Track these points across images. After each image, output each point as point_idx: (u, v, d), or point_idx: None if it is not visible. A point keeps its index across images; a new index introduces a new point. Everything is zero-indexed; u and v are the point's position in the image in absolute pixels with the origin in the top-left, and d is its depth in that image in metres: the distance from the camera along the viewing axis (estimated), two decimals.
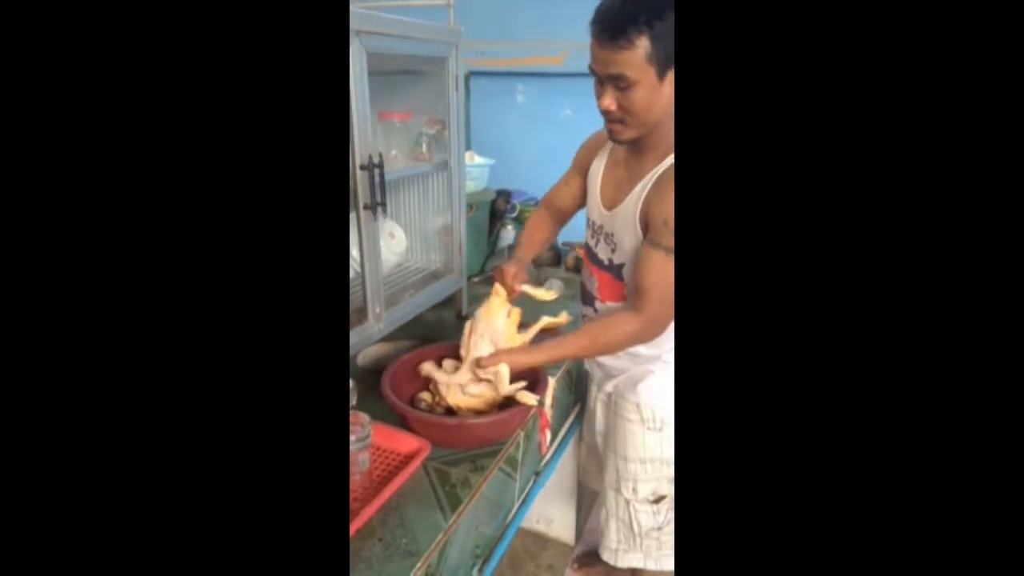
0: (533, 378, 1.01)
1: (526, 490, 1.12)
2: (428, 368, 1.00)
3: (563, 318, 1.05)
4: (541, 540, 1.66)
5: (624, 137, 0.87)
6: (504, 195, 1.90)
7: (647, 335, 0.88)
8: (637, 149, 0.91)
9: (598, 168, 1.02)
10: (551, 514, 1.65)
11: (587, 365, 1.15)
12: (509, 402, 0.95)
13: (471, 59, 1.98)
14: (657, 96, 0.80)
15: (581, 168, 1.08)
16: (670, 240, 0.82)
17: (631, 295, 0.90)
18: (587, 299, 1.07)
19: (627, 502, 1.07)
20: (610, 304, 1.00)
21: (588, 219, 1.06)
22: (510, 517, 1.04)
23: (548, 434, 1.14)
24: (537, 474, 1.18)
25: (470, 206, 1.61)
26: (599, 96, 0.83)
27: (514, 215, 1.90)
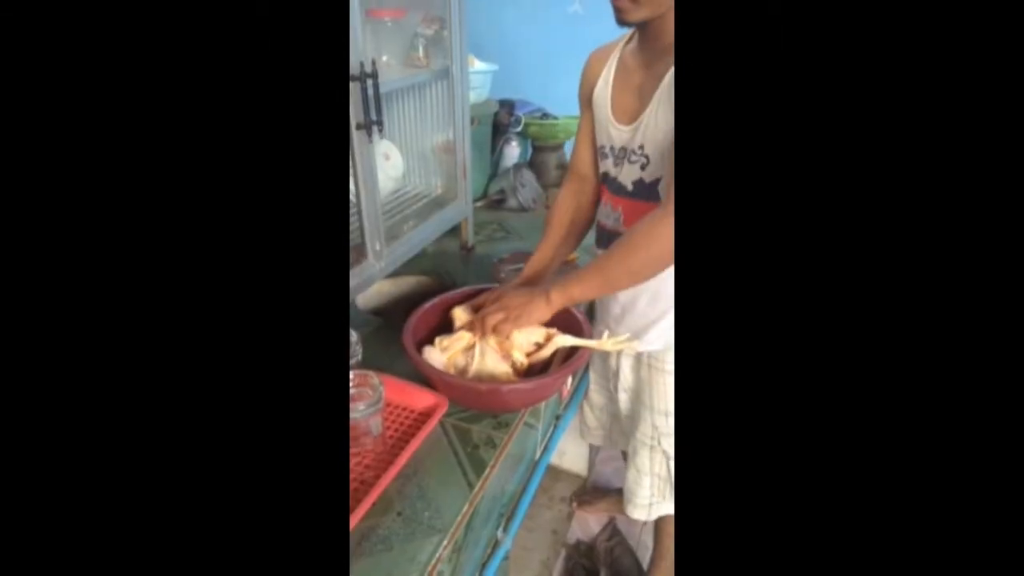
0: (565, 316, 0.89)
1: (547, 436, 1.05)
2: (465, 326, 0.86)
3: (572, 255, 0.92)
4: (554, 472, 1.64)
5: (635, 17, 0.74)
6: (507, 106, 1.70)
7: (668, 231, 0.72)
8: (648, 43, 0.79)
9: (604, 88, 0.87)
10: (563, 446, 1.62)
11: (610, 324, 1.00)
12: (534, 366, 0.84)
13: None
14: None
15: (588, 100, 0.92)
16: None
17: (666, 194, 0.76)
18: (609, 238, 0.91)
19: (666, 458, 1.00)
20: None
21: (600, 148, 0.90)
22: (533, 468, 0.97)
23: (570, 378, 1.05)
24: (558, 418, 1.11)
25: (472, 119, 1.43)
26: None
27: (519, 129, 1.71)
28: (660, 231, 0.72)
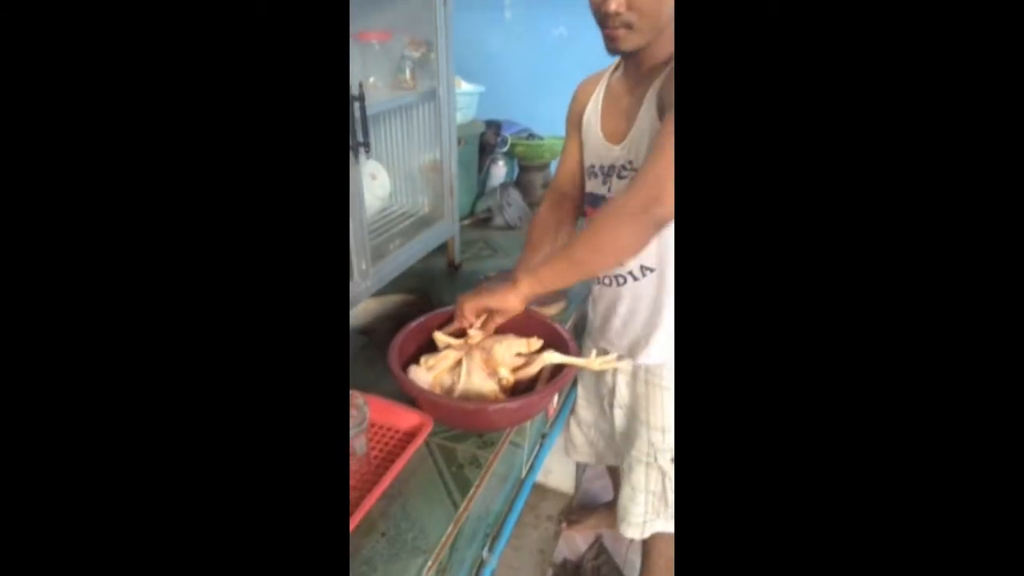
0: (551, 337, 0.90)
1: (533, 454, 1.05)
2: (448, 346, 0.87)
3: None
4: (540, 490, 1.63)
5: (628, 45, 0.77)
6: (494, 127, 1.73)
7: (656, 202, 0.68)
8: (634, 69, 0.82)
9: (594, 111, 0.91)
10: (550, 464, 1.62)
11: (605, 340, 1.01)
12: (522, 383, 0.85)
13: None
14: None
15: (577, 125, 0.96)
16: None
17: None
18: None
19: (663, 475, 1.00)
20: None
21: (590, 169, 0.93)
22: (518, 487, 0.97)
23: (556, 396, 1.06)
24: (544, 436, 1.11)
25: (459, 140, 1.45)
26: (605, 2, 0.74)
27: (505, 149, 1.73)
28: (623, 212, 0.70)
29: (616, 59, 0.89)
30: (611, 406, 1.06)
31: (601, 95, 0.92)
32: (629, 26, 0.75)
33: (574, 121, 0.97)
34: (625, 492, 1.04)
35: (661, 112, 0.77)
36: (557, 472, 1.64)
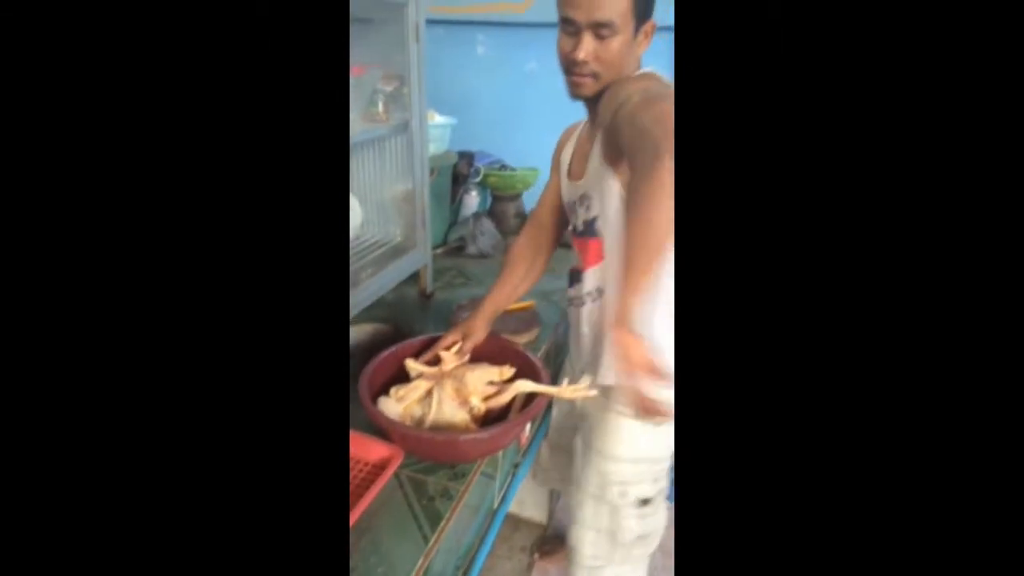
0: (523, 365, 0.91)
1: (506, 484, 1.05)
2: (421, 375, 0.87)
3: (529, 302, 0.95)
4: (513, 521, 1.61)
5: (590, 92, 0.81)
6: (467, 158, 1.76)
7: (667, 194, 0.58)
8: (596, 112, 0.86)
9: (567, 154, 0.98)
10: (522, 495, 1.60)
11: (571, 351, 1.04)
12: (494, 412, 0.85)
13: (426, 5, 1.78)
14: (631, 50, 0.79)
15: (556, 165, 1.02)
16: (651, 84, 0.75)
17: (633, 158, 0.66)
18: (573, 278, 0.97)
19: (613, 509, 0.95)
20: (592, 270, 0.91)
21: (566, 203, 0.98)
22: (491, 518, 0.96)
23: (529, 425, 1.06)
24: (516, 465, 1.11)
25: (431, 171, 1.46)
26: (571, 47, 0.79)
27: (478, 179, 1.76)
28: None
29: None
30: (564, 428, 1.07)
31: (574, 142, 0.97)
32: (595, 76, 0.79)
33: (555, 162, 1.03)
34: (573, 529, 1.00)
35: (609, 156, 0.80)
36: (530, 502, 1.62)
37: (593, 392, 0.85)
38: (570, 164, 0.96)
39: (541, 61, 1.95)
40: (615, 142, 0.75)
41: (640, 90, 0.72)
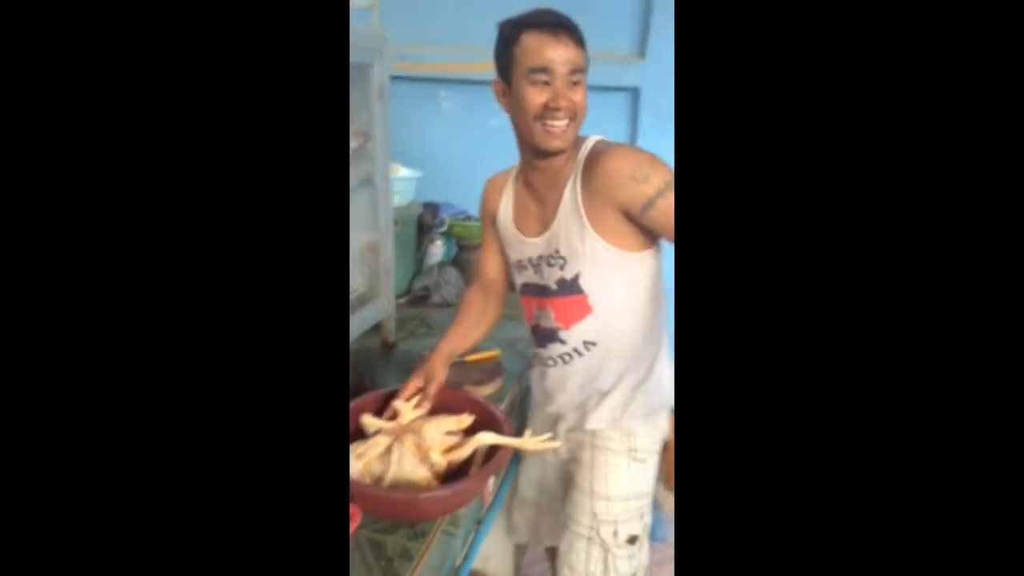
0: (484, 417, 0.91)
1: (468, 541, 1.02)
2: (378, 432, 0.86)
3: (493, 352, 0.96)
4: None
5: (567, 141, 0.85)
6: (432, 208, 1.79)
7: None
8: (547, 173, 0.90)
9: (506, 215, 0.99)
10: (487, 551, 1.56)
11: (540, 403, 1.04)
12: (455, 468, 0.84)
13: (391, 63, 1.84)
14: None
15: (491, 221, 1.04)
16: (655, 183, 0.81)
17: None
18: (546, 337, 0.97)
19: (605, 550, 0.97)
20: (577, 326, 0.93)
21: (518, 263, 0.99)
22: None
23: (492, 479, 1.04)
24: (479, 522, 1.08)
25: (396, 222, 1.48)
26: (545, 96, 0.81)
27: (443, 229, 1.79)
28: None
29: (518, 164, 0.98)
30: (539, 480, 1.06)
31: (511, 200, 0.99)
32: (572, 119, 0.83)
33: (488, 217, 1.05)
34: (564, 574, 1.01)
35: (598, 219, 0.85)
36: (496, 558, 1.57)
37: (557, 444, 0.85)
38: (515, 221, 0.97)
39: (503, 117, 2.02)
40: (640, 220, 0.83)
41: (658, 190, 0.80)
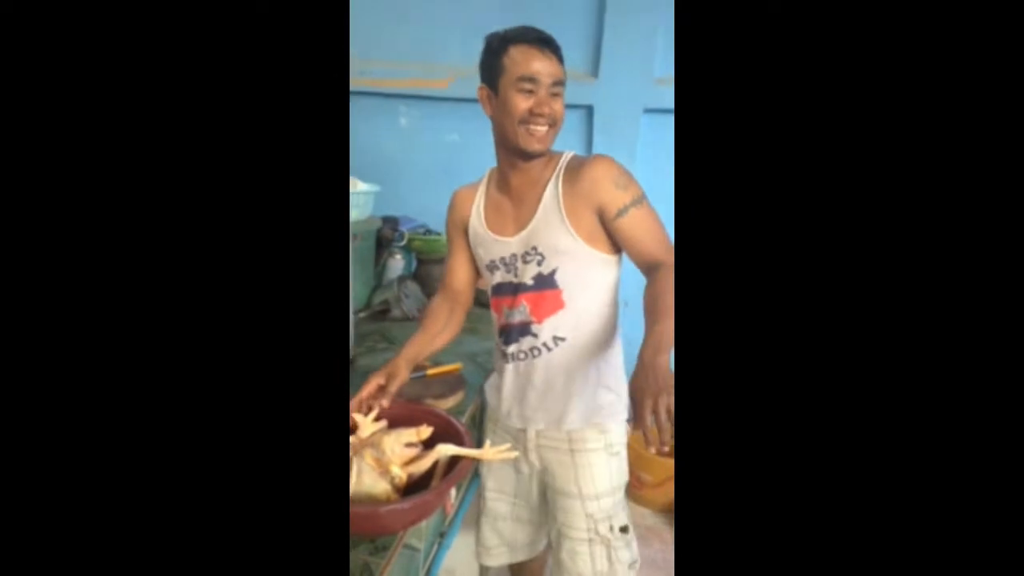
0: (442, 426, 0.91)
1: (431, 555, 1.01)
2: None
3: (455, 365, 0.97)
4: None
5: (546, 144, 0.93)
6: (391, 223, 1.79)
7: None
8: (517, 164, 0.96)
9: (478, 213, 1.04)
10: (452, 564, 1.54)
11: (521, 417, 1.04)
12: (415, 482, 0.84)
13: (351, 78, 1.84)
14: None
15: (461, 230, 1.08)
16: (632, 193, 0.91)
17: (645, 264, 0.92)
18: (519, 332, 1.00)
19: (606, 545, 1.01)
20: (549, 320, 0.97)
21: (491, 264, 1.02)
22: None
23: (454, 491, 1.04)
24: (442, 535, 1.08)
25: (354, 236, 1.48)
26: (530, 103, 0.90)
27: (402, 243, 1.79)
28: (667, 284, 0.85)
29: (488, 172, 1.04)
30: (532, 492, 1.08)
31: (482, 205, 1.03)
32: (552, 125, 0.91)
33: (458, 227, 1.07)
34: None
35: (579, 219, 0.92)
36: (461, 572, 1.56)
37: (515, 454, 0.86)
38: (488, 224, 1.01)
39: (463, 133, 2.05)
40: (611, 227, 0.92)
41: (634, 199, 0.90)
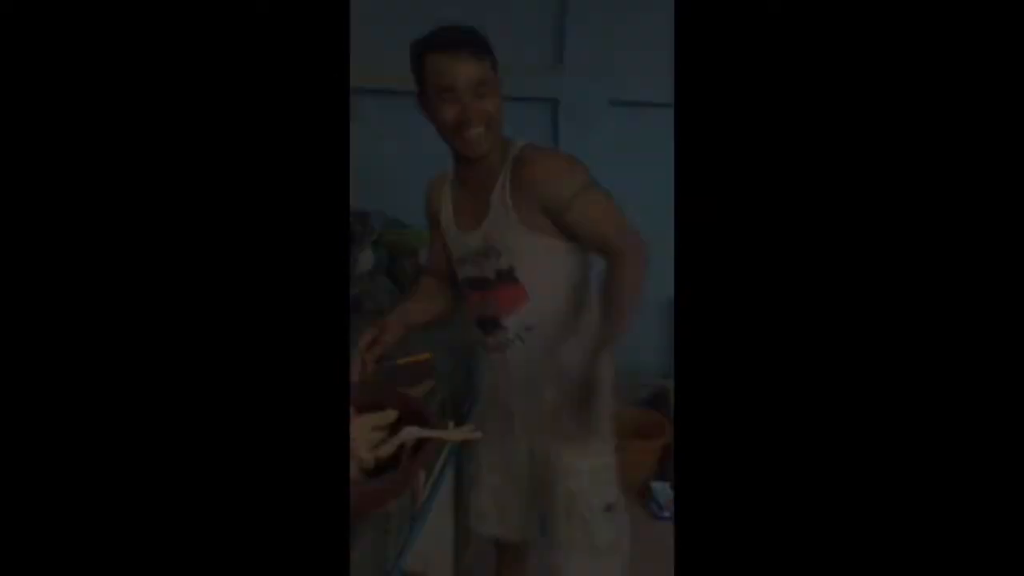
0: (408, 409, 0.93)
1: (402, 540, 1.04)
2: None
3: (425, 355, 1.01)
4: None
5: (485, 147, 0.91)
6: (361, 218, 1.80)
7: (642, 261, 0.88)
8: (478, 173, 0.97)
9: (447, 206, 1.05)
10: (427, 550, 1.57)
11: (495, 396, 1.10)
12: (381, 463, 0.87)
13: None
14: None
15: (436, 220, 1.10)
16: (573, 185, 0.89)
17: (599, 252, 0.93)
18: (487, 325, 1.03)
19: (584, 522, 1.04)
20: (516, 312, 0.99)
21: (460, 260, 1.04)
22: None
23: (422, 474, 1.07)
24: (413, 518, 1.10)
25: None
26: (455, 111, 0.88)
27: (373, 238, 1.80)
28: (626, 274, 0.90)
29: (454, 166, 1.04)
30: (504, 465, 1.12)
31: (449, 199, 1.05)
32: (488, 127, 0.90)
33: (433, 218, 1.10)
34: (553, 554, 1.06)
35: (524, 211, 0.92)
36: (434, 559, 1.59)
37: (478, 434, 0.90)
38: (455, 219, 1.03)
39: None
40: (560, 223, 0.91)
41: (582, 186, 0.89)
